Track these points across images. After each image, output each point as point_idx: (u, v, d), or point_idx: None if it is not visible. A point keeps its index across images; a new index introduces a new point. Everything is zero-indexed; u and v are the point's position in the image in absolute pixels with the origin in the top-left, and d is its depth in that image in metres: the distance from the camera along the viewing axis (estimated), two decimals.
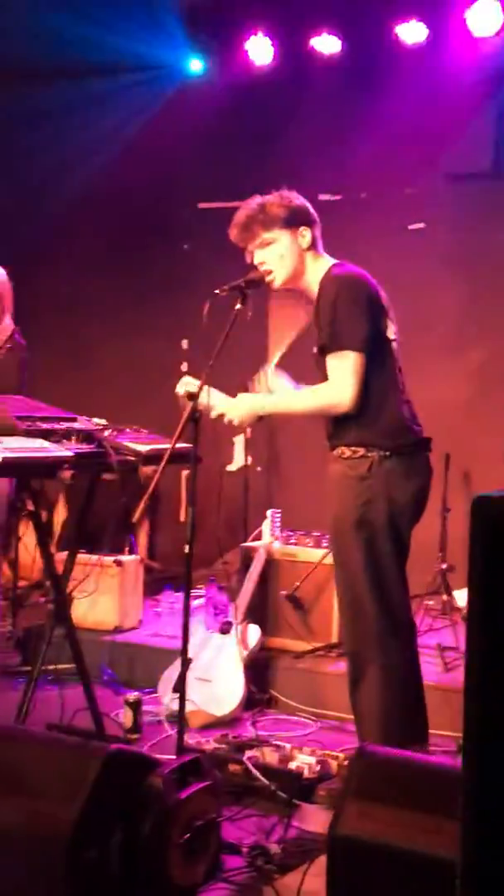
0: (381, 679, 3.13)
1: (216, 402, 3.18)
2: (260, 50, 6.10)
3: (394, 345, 3.24)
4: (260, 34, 6.06)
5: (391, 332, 3.23)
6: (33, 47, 5.98)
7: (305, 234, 3.27)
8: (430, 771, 2.52)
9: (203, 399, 3.02)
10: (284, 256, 3.26)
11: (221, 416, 3.21)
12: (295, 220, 3.26)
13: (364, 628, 3.15)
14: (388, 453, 3.13)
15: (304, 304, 3.36)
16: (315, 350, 3.25)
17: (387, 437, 3.14)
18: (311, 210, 3.32)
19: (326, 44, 5.94)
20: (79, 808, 2.43)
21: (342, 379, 3.10)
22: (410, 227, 5.90)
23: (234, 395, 3.23)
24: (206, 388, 3.01)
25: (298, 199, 3.30)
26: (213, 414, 3.20)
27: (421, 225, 5.90)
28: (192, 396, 2.98)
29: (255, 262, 3.29)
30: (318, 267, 3.29)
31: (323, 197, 5.84)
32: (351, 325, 3.11)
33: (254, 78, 6.16)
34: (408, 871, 2.32)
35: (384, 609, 3.14)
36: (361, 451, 3.15)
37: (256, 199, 3.29)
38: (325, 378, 3.23)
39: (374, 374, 3.14)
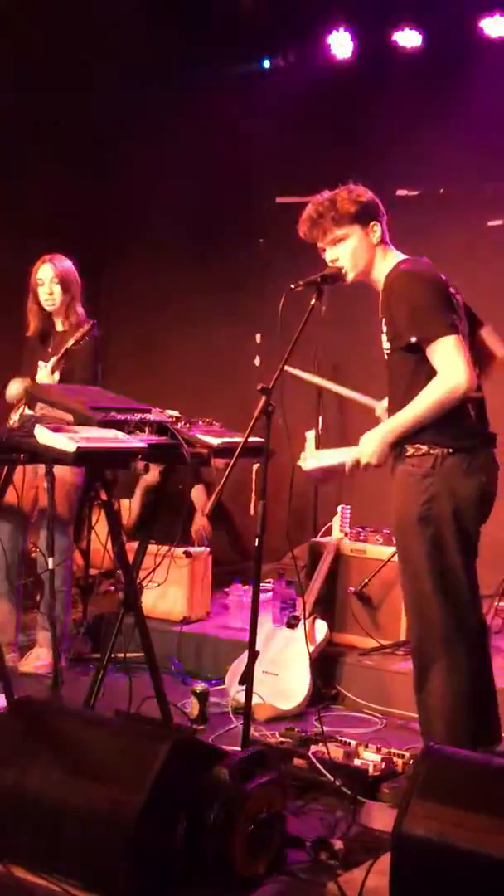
0: (446, 678, 3.10)
1: (340, 457, 3.17)
2: (341, 44, 6.08)
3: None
4: (341, 28, 6.04)
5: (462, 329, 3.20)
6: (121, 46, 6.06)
7: (376, 230, 3.26)
8: (497, 772, 2.49)
9: (316, 461, 2.99)
10: (357, 252, 3.25)
11: (356, 466, 3.17)
12: (366, 215, 3.24)
13: (429, 627, 3.13)
14: (450, 450, 3.10)
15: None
16: (385, 343, 3.23)
17: (448, 434, 3.11)
18: (380, 204, 3.30)
19: (408, 38, 5.89)
20: (145, 795, 2.46)
21: (450, 365, 3.04)
22: (490, 223, 5.83)
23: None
24: (318, 452, 3.02)
25: (368, 194, 3.28)
26: (347, 469, 3.17)
27: (500, 222, 5.83)
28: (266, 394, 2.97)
29: (328, 258, 3.28)
30: (387, 261, 3.27)
31: (401, 192, 5.81)
32: (434, 312, 3.09)
33: (334, 72, 6.14)
34: (472, 873, 2.31)
35: (449, 607, 3.11)
36: (424, 448, 3.12)
37: (325, 195, 3.27)
38: (393, 371, 3.21)
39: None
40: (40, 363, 4.42)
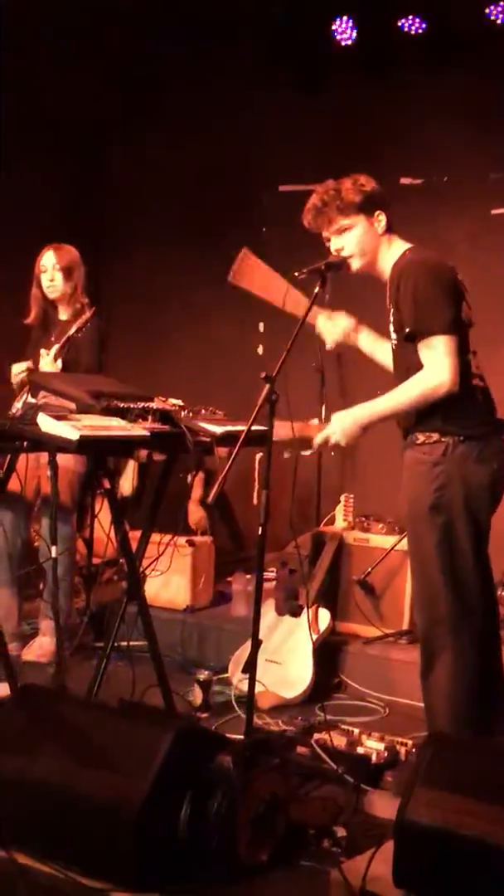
0: (454, 666, 3.10)
1: (313, 431, 3.16)
2: (344, 31, 6.04)
3: (469, 329, 3.20)
4: (345, 15, 6.00)
5: (467, 317, 3.19)
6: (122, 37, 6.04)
7: (381, 219, 3.24)
8: (501, 760, 2.50)
9: (286, 432, 3.00)
10: (362, 242, 3.24)
11: (326, 442, 3.18)
12: (371, 204, 3.23)
13: (437, 614, 3.13)
14: (461, 438, 3.10)
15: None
16: (392, 333, 3.22)
17: (460, 422, 3.11)
18: (385, 193, 3.29)
19: (411, 25, 5.86)
20: (149, 782, 2.47)
21: (438, 361, 3.06)
22: (494, 211, 5.81)
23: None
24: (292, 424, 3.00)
25: (372, 183, 3.26)
26: (316, 442, 3.18)
27: None
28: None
29: (333, 248, 3.26)
30: (392, 251, 3.26)
31: (404, 180, 5.78)
32: (436, 307, 3.08)
33: (338, 59, 6.11)
34: (475, 861, 2.31)
35: (458, 595, 3.11)
36: (435, 436, 3.12)
37: (330, 184, 3.25)
38: (401, 362, 3.21)
39: None
40: (42, 351, 4.42)
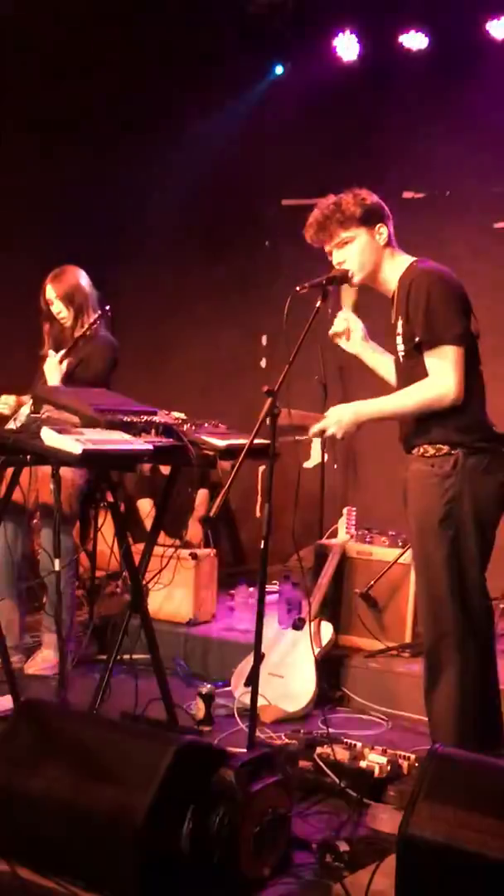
0: (459, 680, 3.09)
1: (312, 421, 3.17)
2: (347, 46, 6.08)
3: (476, 342, 3.21)
4: (347, 31, 6.04)
5: (475, 329, 3.20)
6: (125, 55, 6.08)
7: (383, 232, 3.26)
8: (502, 774, 2.49)
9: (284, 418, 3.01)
10: (363, 254, 3.25)
11: (320, 433, 3.19)
12: (371, 217, 3.25)
13: (443, 628, 3.12)
14: (471, 450, 3.11)
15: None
16: (400, 345, 3.22)
17: (470, 434, 3.11)
18: (385, 207, 3.30)
19: (414, 40, 5.90)
20: (151, 797, 2.46)
21: (444, 372, 3.07)
22: (496, 225, 5.83)
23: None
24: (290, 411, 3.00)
25: (373, 197, 3.28)
26: (312, 431, 3.19)
27: None
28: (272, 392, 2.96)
29: (335, 261, 3.28)
30: (396, 263, 3.27)
31: (407, 194, 5.81)
32: (447, 318, 3.09)
33: (340, 74, 6.14)
34: (478, 875, 2.30)
35: (464, 610, 3.10)
36: (446, 448, 3.12)
37: (331, 199, 3.28)
38: (405, 375, 3.21)
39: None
40: (50, 352, 4.45)
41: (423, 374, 3.13)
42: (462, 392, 3.07)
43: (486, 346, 3.26)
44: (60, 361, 4.36)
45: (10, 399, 4.35)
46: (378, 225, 3.25)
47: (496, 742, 3.13)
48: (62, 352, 4.38)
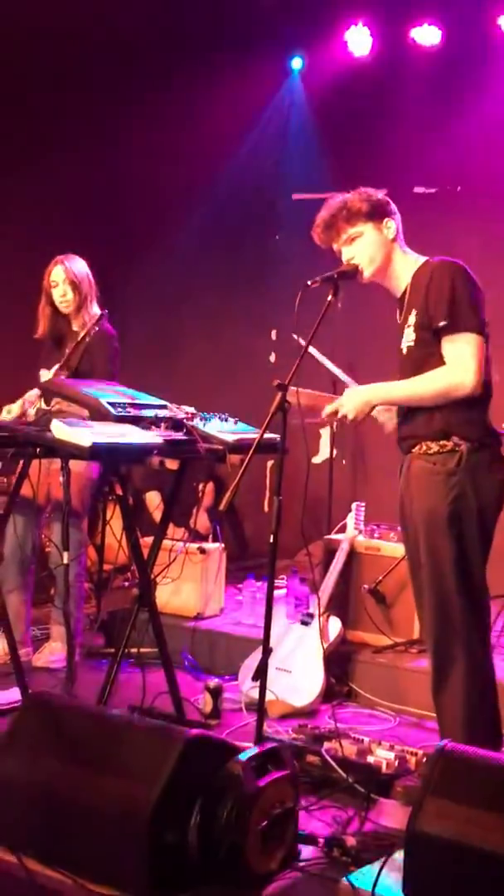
0: (467, 678, 3.08)
1: (324, 402, 3.17)
2: (359, 41, 6.07)
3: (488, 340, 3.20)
4: (360, 24, 6.03)
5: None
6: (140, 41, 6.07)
7: (390, 226, 3.25)
8: None
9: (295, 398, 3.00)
10: (372, 248, 3.24)
11: (333, 414, 3.19)
12: (377, 212, 3.24)
13: (449, 626, 3.10)
14: (476, 445, 3.09)
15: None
16: (411, 333, 3.18)
17: (476, 429, 3.10)
18: (392, 203, 3.30)
19: (427, 35, 5.88)
20: (159, 790, 2.46)
21: (463, 360, 3.04)
22: (415, 189, 5.78)
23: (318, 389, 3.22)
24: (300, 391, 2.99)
25: (379, 193, 3.29)
26: (325, 412, 3.19)
27: None
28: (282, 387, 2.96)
29: (344, 258, 3.27)
30: (408, 261, 3.26)
31: (418, 189, 5.79)
32: (471, 306, 3.08)
33: (352, 69, 6.14)
34: (486, 872, 2.30)
35: (470, 607, 3.09)
36: (450, 444, 3.10)
37: (336, 198, 3.28)
38: (415, 364, 3.17)
39: None
40: (42, 371, 4.43)
41: (435, 362, 3.10)
42: (481, 383, 3.05)
43: (492, 344, 3.24)
44: (62, 370, 4.34)
45: (14, 407, 4.36)
46: (385, 219, 3.25)
47: (497, 738, 3.12)
48: (55, 367, 4.33)
